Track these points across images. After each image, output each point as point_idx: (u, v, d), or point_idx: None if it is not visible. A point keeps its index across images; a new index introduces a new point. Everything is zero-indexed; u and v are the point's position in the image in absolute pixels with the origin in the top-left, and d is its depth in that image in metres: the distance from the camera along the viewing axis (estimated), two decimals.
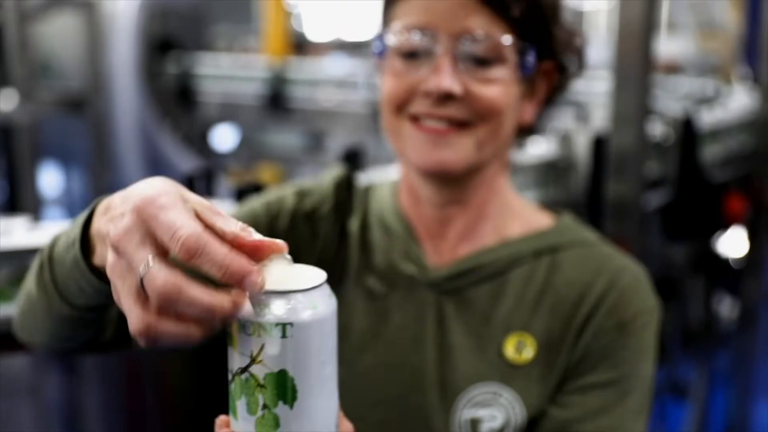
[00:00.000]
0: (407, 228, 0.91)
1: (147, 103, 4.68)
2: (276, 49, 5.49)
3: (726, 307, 2.56)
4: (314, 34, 7.46)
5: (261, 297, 0.52)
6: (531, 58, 0.84)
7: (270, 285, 0.52)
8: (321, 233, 0.92)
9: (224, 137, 5.43)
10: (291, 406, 0.53)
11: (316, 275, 0.54)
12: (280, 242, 0.53)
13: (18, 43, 3.48)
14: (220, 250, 0.50)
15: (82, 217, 0.65)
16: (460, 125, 0.84)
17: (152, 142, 4.64)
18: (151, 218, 0.52)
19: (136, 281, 0.51)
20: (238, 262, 0.50)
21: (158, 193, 0.52)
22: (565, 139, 1.82)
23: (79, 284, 0.66)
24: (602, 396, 0.83)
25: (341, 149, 1.64)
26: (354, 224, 0.93)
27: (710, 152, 2.30)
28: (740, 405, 2.59)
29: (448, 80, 0.81)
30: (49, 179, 5.16)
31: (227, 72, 4.79)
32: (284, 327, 0.51)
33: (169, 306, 0.50)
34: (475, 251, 0.89)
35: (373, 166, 1.76)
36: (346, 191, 0.95)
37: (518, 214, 0.92)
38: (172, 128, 4.92)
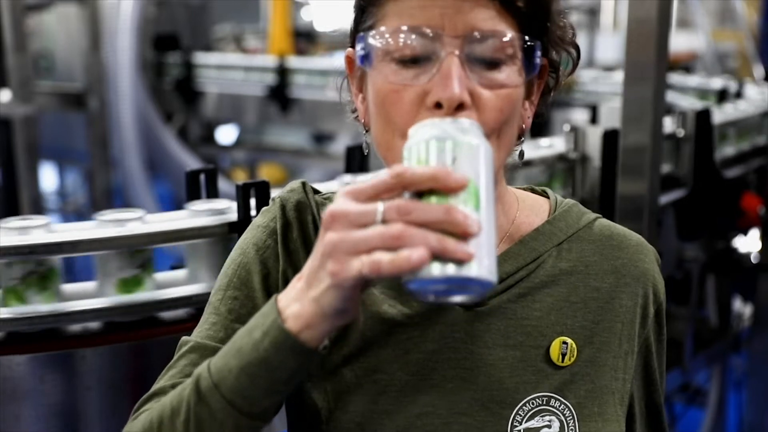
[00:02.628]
0: None
1: (148, 99, 4.67)
2: (280, 49, 5.48)
3: (741, 308, 2.52)
4: (322, 25, 7.46)
5: (456, 125, 0.66)
6: (537, 57, 0.76)
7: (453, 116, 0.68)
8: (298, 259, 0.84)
9: (226, 134, 5.42)
10: (477, 212, 0.62)
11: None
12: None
13: (16, 37, 3.46)
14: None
15: (258, 318, 0.70)
16: None
17: (153, 138, 4.63)
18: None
19: (375, 218, 0.61)
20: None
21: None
22: (577, 135, 1.79)
23: (284, 367, 0.68)
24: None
25: (346, 145, 1.61)
26: None
27: (725, 149, 2.27)
28: (756, 407, 2.55)
29: (458, 87, 0.71)
30: (49, 176, 5.16)
31: (230, 65, 4.77)
32: (474, 147, 0.64)
33: (414, 212, 0.61)
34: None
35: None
36: (297, 212, 0.85)
37: (519, 207, 0.87)
38: (173, 125, 4.91)
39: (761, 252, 2.33)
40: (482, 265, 0.61)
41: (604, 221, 0.89)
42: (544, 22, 0.78)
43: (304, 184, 0.88)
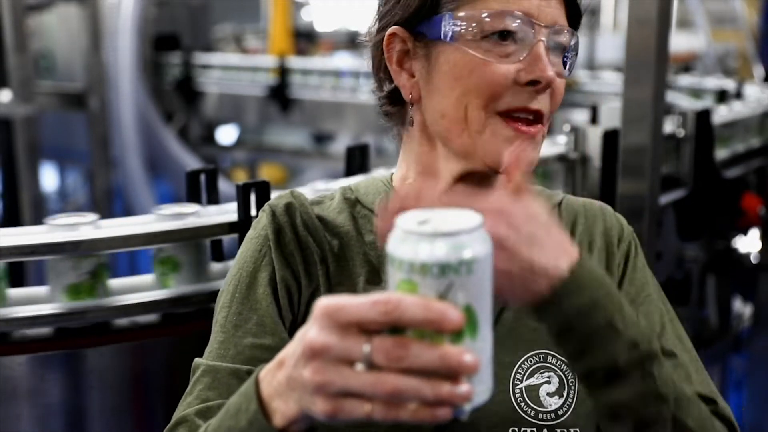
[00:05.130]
0: None
1: (148, 99, 4.67)
2: (280, 49, 5.48)
3: (741, 308, 2.52)
4: (322, 25, 7.46)
5: (443, 237, 0.54)
6: (574, 53, 0.86)
7: (443, 227, 0.55)
8: (314, 257, 0.87)
9: (227, 135, 5.42)
10: (474, 339, 0.55)
11: (467, 213, 0.57)
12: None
13: (16, 37, 3.46)
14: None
15: (242, 399, 0.66)
16: (539, 121, 0.83)
17: (154, 138, 4.62)
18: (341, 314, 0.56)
19: (361, 359, 0.55)
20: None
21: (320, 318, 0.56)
22: (578, 135, 1.79)
23: None
24: (654, 310, 0.89)
25: (348, 144, 1.61)
26: (334, 241, 0.88)
27: (725, 149, 2.27)
28: (756, 407, 2.55)
29: (550, 69, 0.81)
30: (49, 176, 5.16)
31: (230, 65, 4.77)
32: (470, 264, 0.54)
33: (405, 359, 0.54)
34: None
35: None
36: (288, 216, 0.88)
37: None
38: (174, 125, 4.91)
39: (761, 252, 2.33)
40: (478, 394, 0.57)
41: (570, 197, 0.97)
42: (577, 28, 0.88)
43: (291, 192, 0.91)
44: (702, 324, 2.29)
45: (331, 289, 0.86)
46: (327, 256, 0.87)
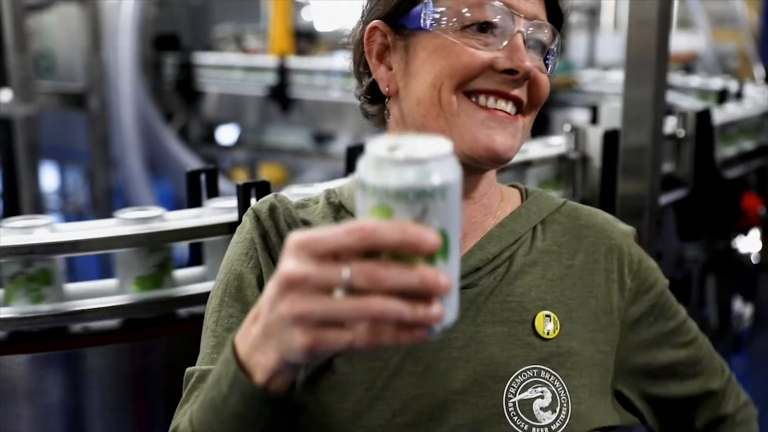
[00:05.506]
0: None
1: (148, 99, 4.67)
2: (280, 49, 5.48)
3: (741, 308, 2.52)
4: (322, 25, 7.46)
5: (418, 163, 0.55)
6: (557, 55, 0.87)
7: (416, 153, 0.55)
8: None
9: (227, 134, 5.42)
10: (445, 262, 0.56)
11: (435, 140, 0.57)
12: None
13: (16, 37, 3.46)
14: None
15: (221, 366, 0.66)
16: (518, 111, 0.83)
17: (154, 138, 4.63)
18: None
19: (340, 285, 0.54)
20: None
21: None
22: (578, 135, 1.79)
23: (262, 417, 0.65)
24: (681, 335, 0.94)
25: (348, 144, 1.61)
26: None
27: (725, 149, 2.27)
28: (757, 408, 2.54)
29: (528, 60, 0.81)
30: (49, 176, 5.16)
31: (231, 65, 4.77)
32: (444, 189, 0.55)
33: (386, 281, 0.53)
34: (478, 242, 0.88)
35: None
36: (272, 220, 0.88)
37: (501, 196, 0.94)
38: (174, 125, 4.91)
39: (761, 252, 2.33)
40: (447, 316, 0.57)
41: (573, 204, 0.96)
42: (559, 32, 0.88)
43: (275, 195, 0.92)
44: (702, 324, 2.28)
45: None
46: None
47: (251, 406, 0.65)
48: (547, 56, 0.86)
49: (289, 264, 0.56)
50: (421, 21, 0.82)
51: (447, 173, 0.56)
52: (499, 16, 0.81)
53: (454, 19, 0.81)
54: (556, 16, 0.87)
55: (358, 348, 0.56)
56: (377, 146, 0.56)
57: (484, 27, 0.81)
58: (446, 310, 0.57)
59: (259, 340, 0.61)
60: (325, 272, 0.55)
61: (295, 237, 0.57)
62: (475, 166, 0.84)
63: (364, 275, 0.54)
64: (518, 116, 0.83)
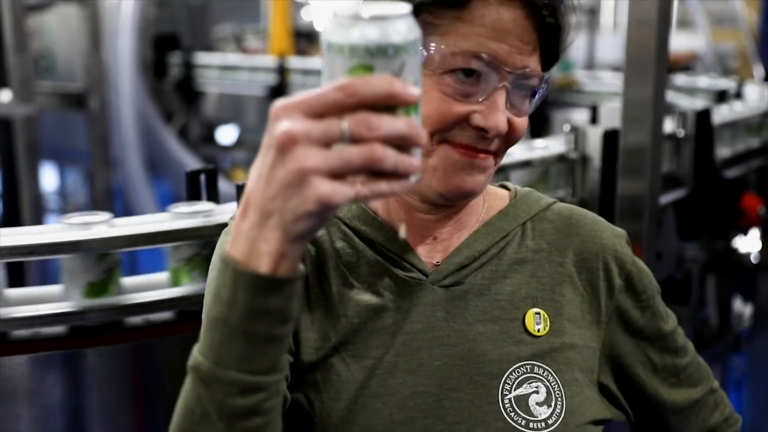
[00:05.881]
0: (391, 234, 0.88)
1: (148, 99, 4.67)
2: (280, 49, 5.48)
3: (741, 308, 2.52)
4: (322, 25, 7.46)
5: (393, 19, 0.57)
6: (543, 93, 0.85)
7: (389, 10, 0.57)
8: None
9: (227, 135, 5.42)
10: (417, 116, 0.58)
11: (397, 3, 0.59)
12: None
13: (16, 37, 3.46)
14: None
15: (220, 277, 0.63)
16: (489, 152, 0.83)
17: (154, 139, 4.63)
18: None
19: (341, 136, 0.56)
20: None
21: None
22: (578, 135, 1.79)
23: (273, 310, 0.62)
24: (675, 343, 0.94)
25: None
26: (309, 246, 0.88)
27: (725, 148, 2.27)
28: (756, 408, 2.55)
29: (504, 120, 0.80)
30: (49, 176, 5.16)
31: (231, 66, 4.78)
32: (415, 43, 0.58)
33: (383, 126, 0.56)
34: (464, 240, 0.89)
35: None
36: None
37: (488, 196, 0.94)
38: (174, 125, 4.92)
39: (761, 252, 2.33)
40: (418, 168, 0.60)
41: (563, 204, 0.96)
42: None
43: None
44: (702, 324, 2.29)
45: (308, 290, 0.86)
46: (304, 258, 0.86)
47: (261, 297, 0.61)
48: (533, 95, 0.84)
49: (285, 124, 0.57)
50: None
51: (414, 27, 0.58)
52: (485, 69, 0.79)
53: (439, 64, 0.79)
54: (550, 59, 0.85)
55: (360, 198, 0.57)
56: (348, 8, 0.58)
57: (470, 72, 0.79)
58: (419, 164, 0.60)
59: (257, 228, 0.60)
60: (325, 125, 0.56)
61: (280, 102, 0.58)
62: (443, 203, 0.86)
63: (364, 122, 0.56)
64: (489, 157, 0.83)
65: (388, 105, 0.57)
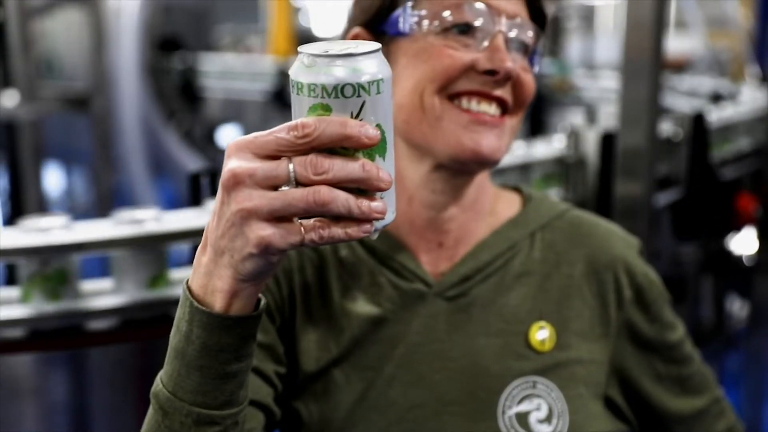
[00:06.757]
0: (394, 243, 0.86)
1: (151, 101, 4.68)
2: (281, 49, 5.49)
3: (737, 308, 2.54)
4: (321, 29, 7.45)
5: (353, 58, 0.55)
6: (540, 53, 0.85)
7: (348, 50, 0.56)
8: (292, 266, 0.85)
9: (229, 136, 5.43)
10: (383, 158, 0.57)
11: (362, 42, 0.59)
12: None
13: (21, 40, 3.48)
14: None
15: (180, 310, 0.63)
16: (504, 112, 0.81)
17: (156, 140, 4.64)
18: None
19: (287, 178, 0.54)
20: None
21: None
22: (575, 137, 1.81)
23: (226, 347, 0.62)
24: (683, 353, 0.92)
25: None
26: (311, 252, 0.87)
27: (721, 150, 2.29)
28: (751, 406, 2.56)
29: (509, 61, 0.79)
30: (53, 178, 5.17)
31: (232, 69, 4.79)
32: (378, 83, 0.56)
33: (331, 170, 0.54)
34: (471, 249, 0.87)
35: None
36: None
37: (497, 200, 0.91)
38: (176, 126, 4.93)
39: (756, 252, 2.35)
40: (389, 212, 0.58)
41: (576, 212, 0.93)
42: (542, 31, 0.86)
43: None
44: (698, 323, 2.31)
45: (309, 300, 0.85)
46: (305, 265, 0.86)
47: (211, 333, 0.61)
48: (532, 56, 0.84)
49: (233, 163, 0.56)
50: (400, 25, 0.81)
51: (380, 67, 0.57)
52: (479, 17, 0.79)
53: (434, 22, 0.80)
54: (538, 16, 0.85)
55: (309, 244, 0.55)
56: (310, 48, 0.57)
57: (465, 29, 0.80)
58: (389, 208, 0.58)
59: (211, 263, 0.60)
60: (271, 166, 0.55)
61: (233, 141, 0.57)
62: (461, 169, 0.83)
63: (311, 164, 0.54)
64: (504, 117, 0.81)
65: (344, 147, 0.55)
